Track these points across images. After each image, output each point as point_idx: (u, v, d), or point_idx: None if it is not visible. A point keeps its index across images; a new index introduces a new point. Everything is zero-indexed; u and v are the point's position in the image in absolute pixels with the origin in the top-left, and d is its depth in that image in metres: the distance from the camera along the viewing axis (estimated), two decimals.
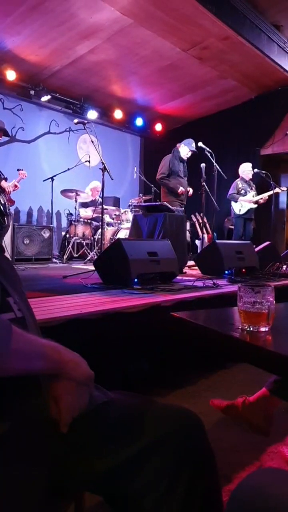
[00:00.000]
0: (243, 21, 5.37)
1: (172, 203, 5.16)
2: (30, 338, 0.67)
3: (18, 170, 5.17)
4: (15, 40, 5.62)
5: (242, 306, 0.94)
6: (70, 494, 0.82)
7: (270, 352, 0.84)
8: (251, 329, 0.93)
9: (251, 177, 6.42)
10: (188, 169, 5.56)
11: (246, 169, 6.40)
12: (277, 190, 6.15)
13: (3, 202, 4.42)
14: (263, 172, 6.27)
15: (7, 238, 5.31)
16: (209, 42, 5.61)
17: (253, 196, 6.26)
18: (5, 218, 4.51)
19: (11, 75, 6.28)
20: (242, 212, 6.31)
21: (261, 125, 7.39)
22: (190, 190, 5.62)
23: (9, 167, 4.90)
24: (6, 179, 4.69)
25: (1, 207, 4.41)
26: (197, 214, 6.97)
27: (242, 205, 6.28)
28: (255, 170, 6.37)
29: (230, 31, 5.30)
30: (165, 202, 4.45)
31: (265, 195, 6.24)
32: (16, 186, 4.74)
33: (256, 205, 6.32)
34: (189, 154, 5.42)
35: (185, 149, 5.40)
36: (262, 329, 0.93)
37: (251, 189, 6.35)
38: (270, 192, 6.17)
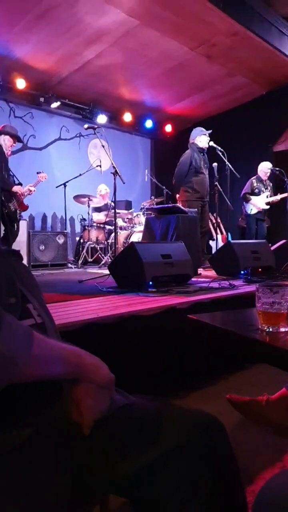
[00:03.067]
0: (252, 15, 5.27)
1: (192, 203, 5.10)
2: (50, 343, 0.68)
3: (37, 173, 5.22)
4: (24, 49, 5.69)
5: (260, 307, 0.93)
6: (95, 496, 0.83)
7: None
8: (271, 329, 0.93)
9: (268, 175, 6.36)
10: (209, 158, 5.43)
11: (263, 168, 6.35)
12: None
13: (13, 209, 4.47)
14: (277, 169, 6.21)
15: (23, 245, 5.38)
16: (217, 39, 5.56)
17: (267, 197, 6.21)
18: (15, 224, 4.57)
19: (21, 83, 6.36)
20: (253, 212, 6.27)
21: (273, 121, 7.30)
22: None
23: (21, 175, 4.96)
24: (21, 184, 4.75)
25: (11, 214, 4.46)
26: (210, 214, 6.93)
27: (254, 205, 6.24)
28: (271, 167, 6.31)
29: (239, 27, 5.23)
30: (177, 204, 4.43)
31: (278, 198, 6.19)
32: (30, 190, 4.78)
33: (268, 206, 6.26)
34: (209, 139, 5.27)
35: (202, 139, 5.27)
36: (282, 329, 0.92)
37: (266, 188, 6.29)
38: (284, 195, 6.13)
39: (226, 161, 5.27)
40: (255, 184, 6.27)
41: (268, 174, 6.34)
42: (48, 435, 0.71)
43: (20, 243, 5.23)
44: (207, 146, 5.29)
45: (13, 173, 4.73)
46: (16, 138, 4.73)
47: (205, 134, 5.28)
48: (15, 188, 4.49)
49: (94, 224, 6.25)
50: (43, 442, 0.70)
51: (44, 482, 0.64)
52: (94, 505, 0.84)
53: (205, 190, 5.29)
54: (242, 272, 3.68)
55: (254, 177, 6.36)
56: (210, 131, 5.31)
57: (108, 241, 6.09)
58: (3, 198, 4.35)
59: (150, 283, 2.96)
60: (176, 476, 0.67)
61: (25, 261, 0.89)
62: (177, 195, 5.37)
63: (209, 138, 5.29)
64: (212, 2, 4.70)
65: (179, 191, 5.32)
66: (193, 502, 0.66)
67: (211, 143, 5.29)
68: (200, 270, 4.24)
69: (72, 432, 0.70)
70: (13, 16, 4.96)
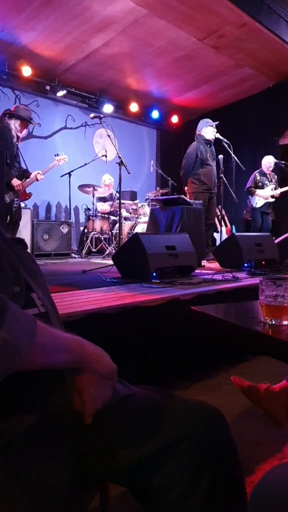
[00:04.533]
0: (261, 6, 5.24)
1: (199, 194, 5.07)
2: (54, 332, 0.68)
3: (55, 155, 5.13)
4: (30, 36, 5.65)
5: (264, 300, 0.93)
6: (95, 485, 0.84)
7: None
8: (274, 322, 0.93)
9: (271, 169, 6.31)
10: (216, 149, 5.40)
11: (266, 161, 6.31)
12: None
13: (8, 201, 4.34)
14: (282, 162, 6.16)
15: (27, 234, 5.38)
16: (225, 30, 5.50)
17: (271, 190, 6.18)
18: (8, 216, 4.41)
19: (26, 71, 6.32)
20: (259, 205, 6.25)
21: (279, 114, 7.23)
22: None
23: (26, 163, 4.94)
24: (27, 171, 4.66)
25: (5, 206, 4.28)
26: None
27: (259, 198, 6.21)
28: (274, 160, 6.27)
29: (247, 18, 5.18)
30: (182, 196, 4.41)
31: (278, 191, 6.15)
32: (37, 179, 4.68)
33: (273, 199, 6.23)
34: (215, 131, 5.24)
35: (208, 130, 5.23)
36: (285, 322, 0.92)
37: (270, 182, 6.25)
38: (285, 188, 6.09)
39: (232, 153, 5.23)
40: (258, 178, 6.24)
41: (272, 167, 6.31)
42: (50, 424, 0.72)
43: (24, 232, 5.24)
44: (213, 137, 5.24)
45: (23, 158, 4.63)
46: (27, 122, 4.56)
47: (211, 126, 5.24)
48: (14, 182, 4.37)
49: (99, 214, 6.24)
50: (45, 430, 0.70)
51: (45, 471, 0.65)
52: (95, 494, 0.85)
53: (212, 181, 5.25)
54: (245, 264, 3.68)
55: (257, 170, 6.32)
56: (216, 123, 5.27)
57: (112, 231, 6.09)
58: None
59: (154, 274, 2.97)
60: (177, 466, 0.68)
61: (28, 250, 0.89)
62: (185, 188, 5.35)
63: (215, 130, 5.24)
64: None
65: (187, 183, 5.30)
66: (193, 492, 0.67)
67: (217, 135, 5.24)
68: (204, 262, 4.24)
69: (74, 421, 0.71)
70: (19, 2, 4.90)
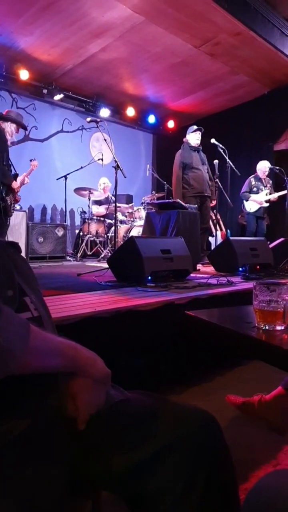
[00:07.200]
0: (255, 16, 5.31)
1: (190, 198, 5.05)
2: (47, 336, 0.68)
3: (30, 160, 5.17)
4: (28, 40, 5.67)
5: (257, 305, 0.93)
6: (88, 492, 0.83)
7: (286, 351, 0.83)
8: (267, 327, 0.93)
9: (266, 174, 6.35)
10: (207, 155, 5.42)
11: (261, 167, 6.34)
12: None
13: (9, 203, 4.35)
14: (277, 168, 6.20)
15: (22, 236, 5.36)
16: (221, 38, 5.57)
17: (266, 195, 6.21)
18: (8, 219, 4.43)
19: (24, 74, 6.33)
20: (253, 210, 6.27)
21: (274, 120, 7.29)
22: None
23: (22, 166, 4.94)
24: (17, 175, 4.68)
25: (7, 208, 4.32)
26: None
27: (252, 203, 6.25)
28: (269, 166, 6.31)
29: (242, 27, 5.25)
30: (178, 200, 4.42)
31: (275, 196, 6.19)
32: (27, 181, 4.69)
33: (267, 204, 6.26)
34: (198, 136, 5.29)
35: (192, 136, 5.30)
36: (278, 327, 0.92)
37: (265, 187, 6.28)
38: (281, 193, 6.12)
39: (227, 158, 5.25)
40: (253, 183, 6.27)
41: (267, 172, 6.34)
42: (43, 429, 0.71)
43: (19, 235, 5.22)
44: (197, 143, 5.30)
45: (11, 162, 4.65)
46: (20, 126, 4.61)
47: (194, 132, 5.32)
48: (14, 185, 4.40)
49: (94, 217, 6.24)
50: (38, 435, 0.70)
51: (38, 476, 0.64)
52: (87, 501, 0.84)
53: (203, 184, 5.25)
54: (240, 269, 3.68)
55: (252, 176, 6.35)
56: (200, 128, 5.31)
57: (108, 234, 6.08)
58: (3, 193, 4.22)
59: (149, 277, 2.96)
60: (170, 472, 0.67)
61: (23, 253, 0.89)
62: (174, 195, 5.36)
63: (198, 133, 5.29)
64: (217, 2, 4.73)
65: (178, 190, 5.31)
66: (187, 498, 0.66)
67: (213, 140, 5.27)
68: (199, 266, 4.25)
69: (67, 426, 0.70)
70: (18, 7, 4.92)
